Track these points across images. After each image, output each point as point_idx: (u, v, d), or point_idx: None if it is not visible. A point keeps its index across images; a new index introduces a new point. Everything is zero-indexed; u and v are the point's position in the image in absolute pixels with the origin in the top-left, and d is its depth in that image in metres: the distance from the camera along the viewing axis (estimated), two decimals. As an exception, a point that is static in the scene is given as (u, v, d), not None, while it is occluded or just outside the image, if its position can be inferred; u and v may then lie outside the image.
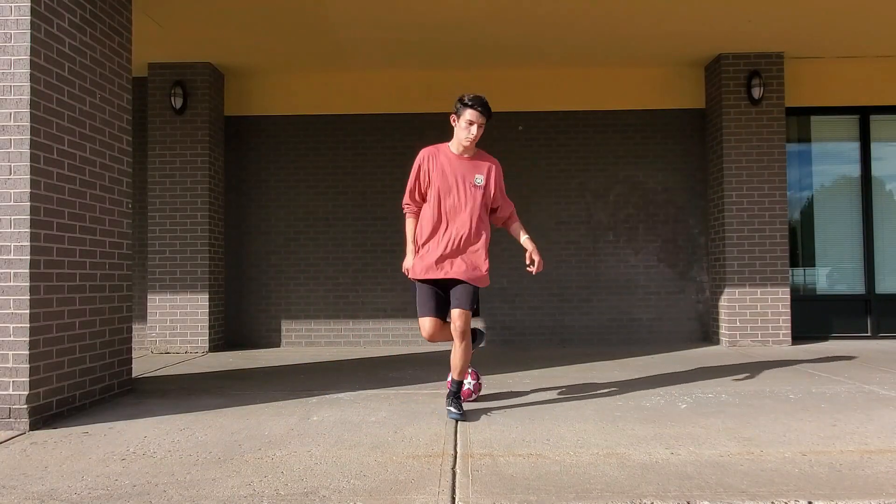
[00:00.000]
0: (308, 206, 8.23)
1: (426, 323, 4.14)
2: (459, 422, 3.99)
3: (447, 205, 4.09)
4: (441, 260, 4.07)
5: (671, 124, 8.20)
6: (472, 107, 4.01)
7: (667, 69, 8.17)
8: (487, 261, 4.14)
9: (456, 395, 4.14)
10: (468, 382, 4.44)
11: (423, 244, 4.16)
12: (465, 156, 4.15)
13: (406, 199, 4.26)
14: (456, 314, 4.03)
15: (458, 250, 4.08)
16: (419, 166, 4.16)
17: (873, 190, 8.09)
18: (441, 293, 4.14)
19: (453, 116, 4.12)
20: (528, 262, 4.22)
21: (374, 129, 8.24)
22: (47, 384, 4.10)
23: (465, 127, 4.04)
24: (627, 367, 6.10)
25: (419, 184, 4.18)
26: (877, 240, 8.09)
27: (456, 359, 4.09)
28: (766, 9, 6.43)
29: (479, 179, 4.12)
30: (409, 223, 4.30)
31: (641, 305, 8.12)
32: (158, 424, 4.03)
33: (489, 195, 4.17)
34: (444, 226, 4.10)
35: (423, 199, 4.22)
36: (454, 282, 4.10)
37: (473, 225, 4.10)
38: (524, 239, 4.28)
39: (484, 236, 4.14)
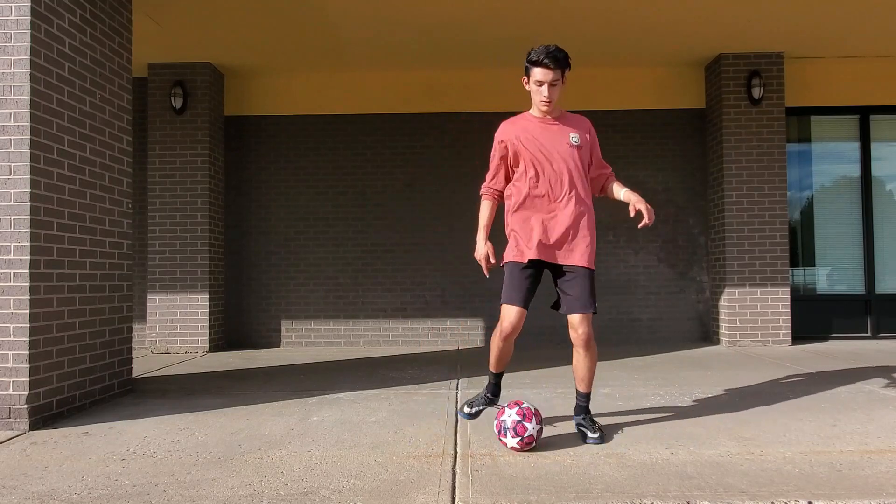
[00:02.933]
0: (308, 206, 8.23)
1: (511, 313, 3.48)
2: (460, 422, 3.98)
3: (544, 176, 3.49)
4: (545, 241, 3.47)
5: (671, 124, 8.20)
6: (538, 63, 3.40)
7: (667, 69, 8.17)
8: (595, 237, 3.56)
9: (586, 410, 3.60)
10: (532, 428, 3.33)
11: (519, 226, 3.55)
12: (550, 117, 3.58)
13: (487, 182, 3.71)
14: (577, 320, 3.46)
15: (565, 229, 3.47)
16: (501, 143, 3.60)
17: (873, 190, 8.09)
18: (536, 281, 3.55)
19: (524, 78, 3.55)
20: (632, 213, 3.56)
21: (374, 129, 8.24)
22: (47, 384, 4.10)
23: (536, 89, 3.47)
24: (627, 366, 6.10)
25: (505, 164, 3.61)
26: (877, 240, 8.09)
27: (582, 369, 3.54)
28: (766, 9, 6.43)
29: (575, 138, 3.52)
30: (485, 206, 3.71)
31: (641, 305, 8.11)
32: (158, 424, 4.03)
33: (587, 156, 3.59)
34: (543, 202, 3.49)
35: (508, 181, 3.66)
36: (559, 270, 3.52)
37: (579, 194, 3.51)
38: (624, 193, 3.63)
39: (589, 206, 3.56)
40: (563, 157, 3.51)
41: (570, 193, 3.50)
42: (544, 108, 3.53)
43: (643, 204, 3.53)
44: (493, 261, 3.63)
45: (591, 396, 3.71)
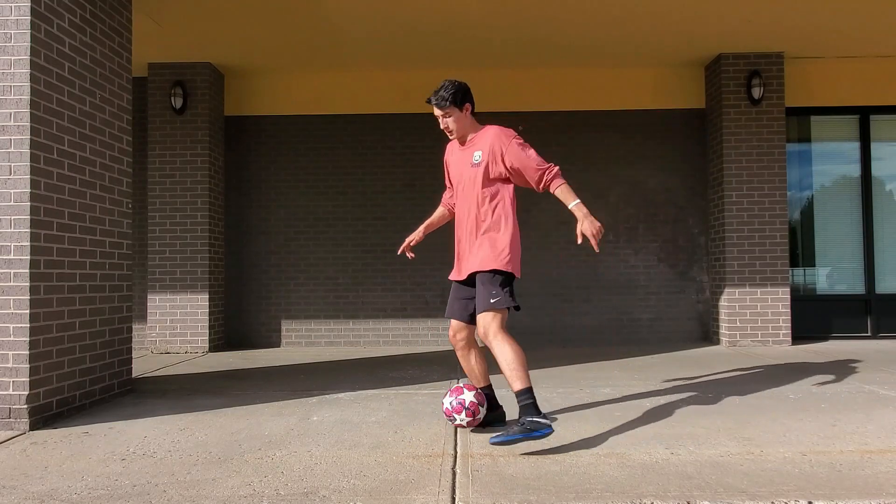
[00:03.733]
0: (308, 206, 8.24)
1: (450, 326, 3.81)
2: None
3: (459, 198, 3.76)
4: (459, 260, 3.72)
5: (671, 124, 8.20)
6: (429, 103, 3.72)
7: (667, 69, 8.17)
8: (507, 242, 3.57)
9: (526, 412, 3.31)
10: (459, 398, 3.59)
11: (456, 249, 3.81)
12: (466, 142, 3.75)
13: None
14: (479, 320, 3.51)
15: (468, 248, 3.65)
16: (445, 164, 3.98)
17: (873, 190, 8.09)
18: (467, 295, 3.70)
19: None
20: (578, 239, 3.55)
21: (374, 129, 8.24)
22: (47, 384, 4.10)
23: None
24: (627, 367, 6.10)
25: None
26: (877, 240, 8.09)
27: (500, 366, 3.39)
28: (766, 9, 6.43)
29: (477, 156, 3.65)
30: (437, 210, 4.16)
31: (641, 305, 8.11)
32: (158, 424, 4.03)
33: (495, 169, 3.61)
34: (459, 222, 3.75)
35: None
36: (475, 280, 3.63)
37: (482, 212, 3.61)
38: (572, 206, 3.59)
39: (493, 217, 3.61)
40: (469, 179, 3.67)
41: (473, 214, 3.65)
42: (450, 137, 3.78)
43: (588, 225, 3.48)
44: (410, 251, 4.09)
45: (537, 393, 3.55)
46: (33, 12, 4.03)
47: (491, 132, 3.68)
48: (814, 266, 8.20)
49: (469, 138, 3.74)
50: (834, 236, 8.17)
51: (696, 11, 6.49)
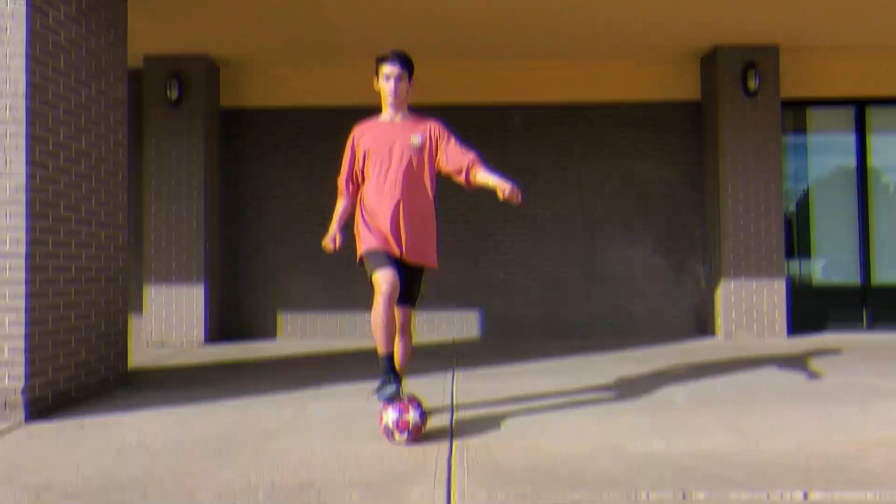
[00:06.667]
0: (304, 198, 8.21)
1: (388, 275, 3.49)
2: (457, 413, 3.99)
3: (384, 173, 3.72)
4: (394, 237, 3.66)
5: (668, 116, 8.19)
6: (385, 60, 3.76)
7: (663, 61, 8.14)
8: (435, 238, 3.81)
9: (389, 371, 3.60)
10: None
11: (370, 220, 3.75)
12: (397, 120, 3.85)
13: (342, 181, 3.98)
14: (404, 311, 3.77)
15: (409, 226, 3.68)
16: (351, 143, 3.88)
17: (870, 181, 8.09)
18: (406, 275, 3.69)
19: (375, 79, 3.85)
20: (501, 196, 3.57)
21: (371, 121, 8.21)
22: (44, 376, 4.09)
23: (385, 83, 3.79)
24: (624, 359, 6.11)
25: (355, 162, 3.87)
26: (874, 231, 8.10)
27: (399, 353, 3.82)
28: (761, 0, 6.41)
29: (416, 140, 3.75)
30: (340, 203, 4.06)
31: (638, 298, 8.12)
32: (155, 416, 4.03)
33: (432, 154, 3.78)
34: (387, 198, 3.68)
35: (362, 181, 3.89)
36: (405, 265, 3.70)
37: (419, 193, 3.72)
38: (494, 180, 3.59)
39: (432, 207, 3.78)
40: (405, 156, 3.75)
41: (408, 191, 3.75)
42: (390, 101, 3.82)
43: (507, 183, 3.54)
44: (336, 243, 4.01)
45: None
46: (30, 4, 4.01)
47: (432, 120, 3.89)
48: (810, 258, 8.22)
49: (401, 117, 3.86)
50: (830, 228, 8.18)
51: (692, 4, 6.46)
